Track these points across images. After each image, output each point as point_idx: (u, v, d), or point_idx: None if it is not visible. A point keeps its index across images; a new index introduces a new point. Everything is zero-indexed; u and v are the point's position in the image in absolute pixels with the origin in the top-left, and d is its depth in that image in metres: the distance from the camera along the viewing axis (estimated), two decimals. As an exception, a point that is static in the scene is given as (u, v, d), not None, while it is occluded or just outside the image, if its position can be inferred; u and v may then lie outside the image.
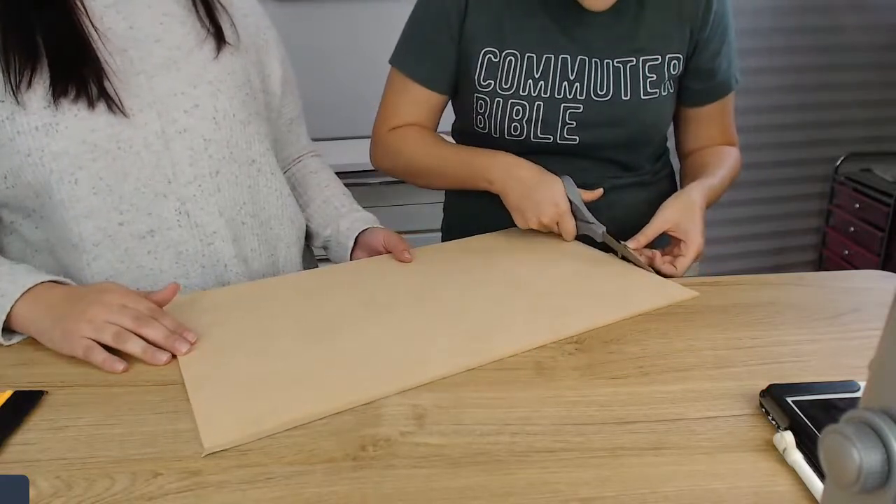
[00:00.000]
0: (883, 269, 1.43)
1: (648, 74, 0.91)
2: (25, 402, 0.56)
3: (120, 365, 0.61)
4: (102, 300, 0.64)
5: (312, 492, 0.46)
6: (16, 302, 0.65)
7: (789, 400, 0.51)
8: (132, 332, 0.63)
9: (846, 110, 2.39)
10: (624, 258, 0.86)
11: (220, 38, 0.83)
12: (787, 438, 0.48)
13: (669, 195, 0.89)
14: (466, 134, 1.01)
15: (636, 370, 0.61)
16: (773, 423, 0.51)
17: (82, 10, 0.74)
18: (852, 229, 2.32)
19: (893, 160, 2.35)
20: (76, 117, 0.72)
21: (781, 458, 0.48)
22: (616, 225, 0.90)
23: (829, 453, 0.27)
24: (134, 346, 0.62)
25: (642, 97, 0.91)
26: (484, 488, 0.46)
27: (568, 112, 0.91)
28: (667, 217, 0.84)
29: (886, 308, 0.27)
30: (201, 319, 0.70)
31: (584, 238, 0.91)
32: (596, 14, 0.87)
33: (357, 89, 2.23)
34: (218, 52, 0.82)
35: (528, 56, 0.90)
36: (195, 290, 0.80)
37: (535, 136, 0.92)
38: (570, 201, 0.88)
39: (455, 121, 1.06)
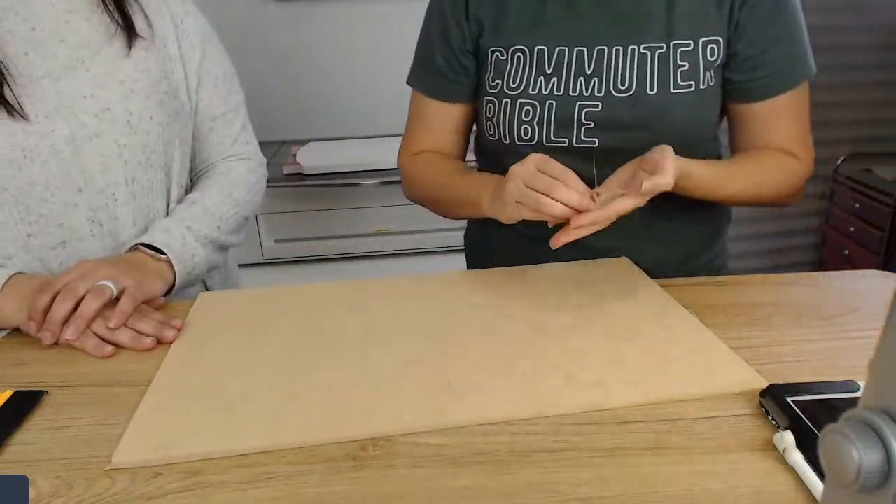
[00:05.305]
0: (883, 269, 1.43)
1: (681, 63, 0.77)
2: (25, 402, 0.57)
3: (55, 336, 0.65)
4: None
5: (312, 492, 0.46)
6: None
7: (789, 400, 0.51)
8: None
9: (846, 110, 2.39)
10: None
11: (130, 32, 0.77)
12: (787, 438, 0.48)
13: (724, 223, 0.76)
14: (484, 148, 0.93)
15: (636, 370, 0.61)
16: (773, 423, 0.51)
17: None
18: (852, 229, 2.32)
19: (893, 160, 2.34)
20: None
21: (781, 458, 0.48)
22: (657, 256, 0.80)
23: (828, 453, 0.27)
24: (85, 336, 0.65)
25: (672, 91, 0.77)
26: (484, 488, 0.46)
27: (584, 111, 0.79)
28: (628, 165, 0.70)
29: (886, 308, 0.27)
30: (217, 320, 0.70)
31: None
32: None
33: (354, 89, 2.24)
34: (130, 49, 0.77)
35: (539, 50, 0.80)
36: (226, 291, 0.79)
37: (549, 140, 0.81)
38: None
39: (475, 136, 0.96)
